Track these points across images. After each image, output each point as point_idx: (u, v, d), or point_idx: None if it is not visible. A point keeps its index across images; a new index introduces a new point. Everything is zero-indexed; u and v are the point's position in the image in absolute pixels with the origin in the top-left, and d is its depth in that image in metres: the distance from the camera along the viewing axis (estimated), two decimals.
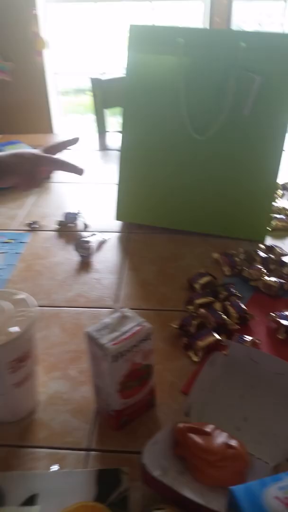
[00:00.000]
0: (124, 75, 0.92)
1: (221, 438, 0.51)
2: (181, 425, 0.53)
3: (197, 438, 0.51)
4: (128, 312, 0.56)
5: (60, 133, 2.93)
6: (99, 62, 2.87)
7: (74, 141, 0.76)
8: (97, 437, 0.57)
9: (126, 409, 0.57)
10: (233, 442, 0.51)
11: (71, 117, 3.60)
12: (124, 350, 0.52)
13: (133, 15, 2.76)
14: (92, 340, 0.53)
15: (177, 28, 0.90)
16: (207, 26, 2.47)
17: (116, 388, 0.54)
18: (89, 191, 1.19)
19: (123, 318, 0.55)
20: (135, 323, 0.54)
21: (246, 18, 3.37)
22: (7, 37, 2.60)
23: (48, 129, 2.85)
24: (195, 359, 0.66)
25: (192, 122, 0.90)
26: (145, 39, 0.89)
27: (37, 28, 2.59)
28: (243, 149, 0.90)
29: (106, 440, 0.57)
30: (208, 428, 0.52)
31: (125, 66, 0.91)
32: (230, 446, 0.50)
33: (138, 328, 0.53)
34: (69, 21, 2.94)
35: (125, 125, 0.95)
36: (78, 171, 0.72)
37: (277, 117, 0.87)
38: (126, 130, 0.96)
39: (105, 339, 0.52)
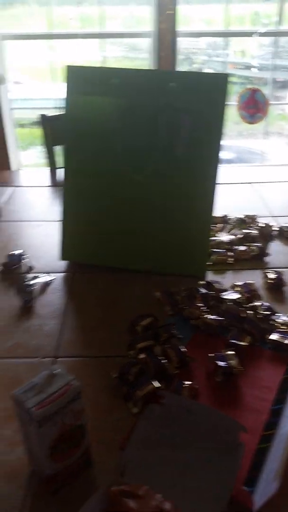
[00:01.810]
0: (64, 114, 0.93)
1: (154, 501, 0.49)
2: (114, 488, 0.50)
3: (130, 503, 0.48)
4: (57, 370, 0.54)
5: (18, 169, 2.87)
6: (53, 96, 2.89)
7: None
8: (30, 506, 0.54)
9: (59, 473, 0.54)
10: (167, 506, 0.49)
11: (28, 151, 3.60)
12: (51, 413, 0.50)
13: (85, 51, 2.82)
14: (18, 403, 0.51)
15: (112, 69, 0.93)
16: (156, 61, 2.55)
17: (46, 453, 0.52)
18: (36, 230, 1.17)
19: (51, 377, 0.53)
20: (63, 382, 0.52)
21: (194, 51, 3.54)
22: None
23: (5, 165, 2.79)
24: (135, 410, 0.64)
25: (129, 162, 0.91)
26: (81, 80, 0.91)
27: None
28: (179, 187, 0.92)
29: (40, 509, 0.54)
30: (141, 491, 0.50)
31: (64, 105, 0.92)
32: (163, 510, 0.48)
33: (66, 387, 0.51)
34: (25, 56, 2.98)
35: (66, 163, 0.95)
36: None
37: (209, 153, 0.90)
38: (67, 169, 0.96)
39: (31, 402, 0.50)
